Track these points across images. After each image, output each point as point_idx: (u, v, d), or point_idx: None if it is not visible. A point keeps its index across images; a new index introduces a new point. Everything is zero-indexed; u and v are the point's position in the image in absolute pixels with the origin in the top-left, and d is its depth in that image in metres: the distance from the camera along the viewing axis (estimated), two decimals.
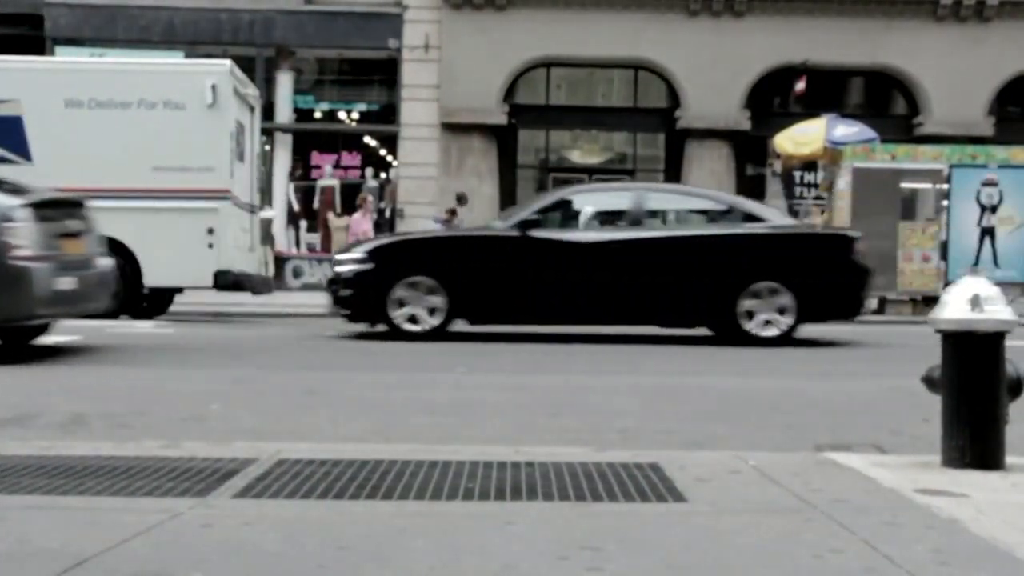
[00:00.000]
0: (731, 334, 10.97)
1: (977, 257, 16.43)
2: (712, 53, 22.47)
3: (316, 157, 23.62)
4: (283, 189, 23.28)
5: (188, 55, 21.16)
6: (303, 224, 23.45)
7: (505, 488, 3.67)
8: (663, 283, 10.96)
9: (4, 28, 22.08)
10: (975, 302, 3.95)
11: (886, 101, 24.12)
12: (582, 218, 11.54)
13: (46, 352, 9.37)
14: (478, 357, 9.45)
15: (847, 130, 18.18)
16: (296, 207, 23.25)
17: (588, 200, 12.05)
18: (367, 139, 24.32)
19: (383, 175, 23.92)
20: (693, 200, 12.43)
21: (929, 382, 4.16)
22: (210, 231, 13.81)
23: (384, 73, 23.64)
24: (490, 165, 22.88)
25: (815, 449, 4.70)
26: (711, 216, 11.76)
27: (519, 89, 23.35)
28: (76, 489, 3.59)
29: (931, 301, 14.11)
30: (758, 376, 8.33)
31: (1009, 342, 4.02)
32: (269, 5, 22.75)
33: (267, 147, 22.22)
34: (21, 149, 14.02)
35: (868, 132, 18.25)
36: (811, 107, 21.14)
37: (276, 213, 22.02)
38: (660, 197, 12.17)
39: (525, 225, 11.08)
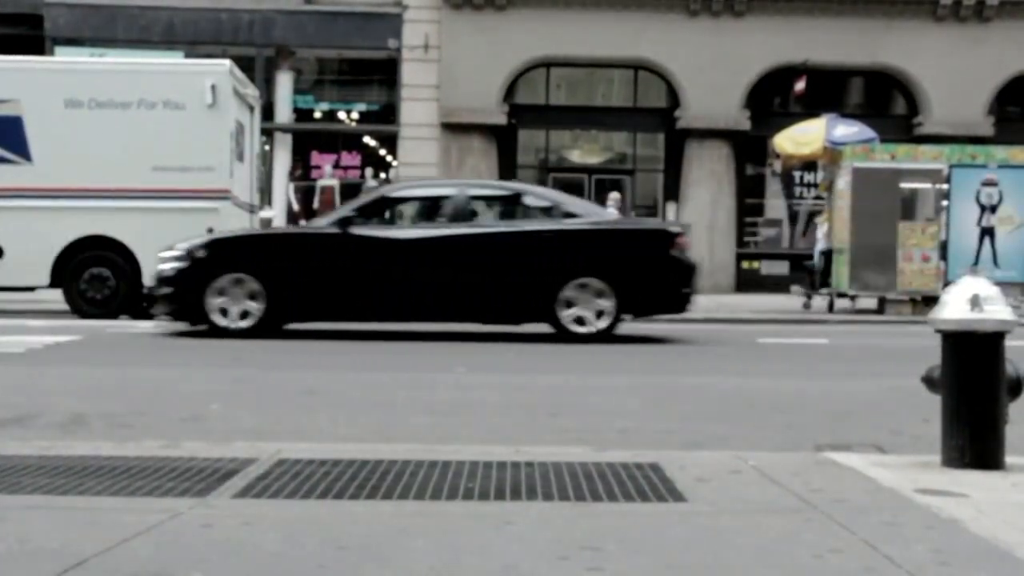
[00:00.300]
0: (557, 331, 10.89)
1: (977, 257, 16.42)
2: (712, 53, 22.46)
3: (316, 157, 23.62)
4: (283, 189, 23.28)
5: (188, 55, 21.16)
6: (303, 224, 23.44)
7: (505, 488, 3.67)
8: (482, 280, 10.92)
9: (4, 28, 22.08)
10: (975, 302, 3.95)
11: (886, 101, 24.11)
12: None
13: (46, 352, 9.37)
14: (478, 357, 9.45)
15: (847, 130, 18.15)
16: (296, 207, 23.25)
17: (409, 196, 12.02)
18: (367, 139, 24.32)
19: (383, 175, 23.91)
20: (514, 197, 12.30)
21: (929, 382, 4.16)
22: (210, 231, 13.80)
23: (384, 73, 23.63)
24: (490, 165, 22.87)
25: (815, 449, 4.70)
26: (533, 212, 11.72)
27: (519, 89, 23.36)
28: (76, 489, 3.59)
29: (931, 301, 14.10)
30: (758, 376, 8.33)
31: (1009, 342, 4.03)
32: (269, 5, 22.74)
33: (267, 147, 22.23)
34: (21, 149, 14.02)
35: (868, 132, 18.23)
36: (811, 107, 21.13)
37: (276, 213, 22.01)
38: (482, 194, 12.06)
39: (345, 222, 11.02)
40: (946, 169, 16.61)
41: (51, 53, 21.59)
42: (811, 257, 18.96)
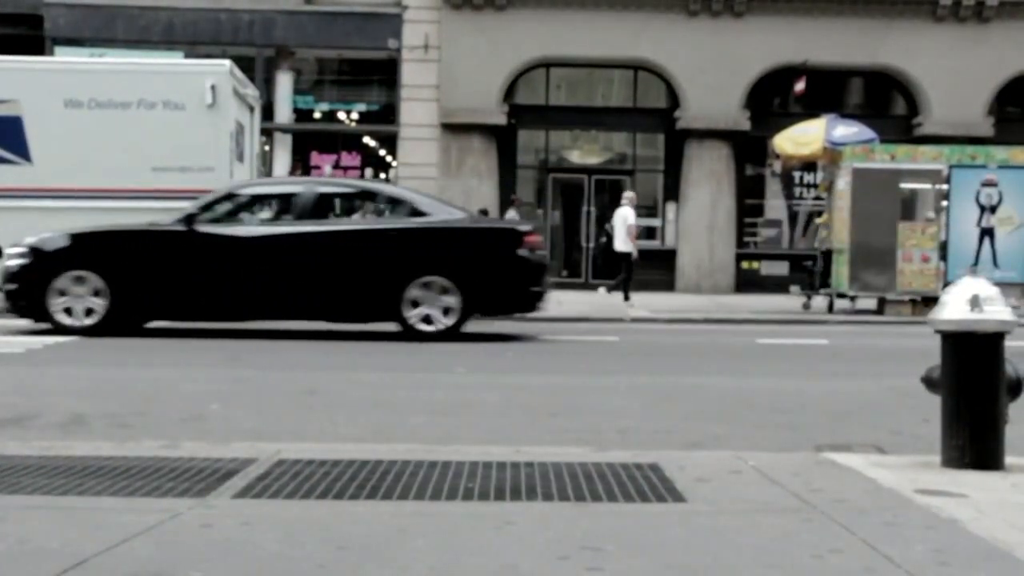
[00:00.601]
0: (404, 329, 10.85)
1: (977, 257, 16.39)
2: (712, 53, 22.45)
3: (316, 157, 23.60)
4: None
5: (188, 55, 21.15)
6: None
7: (505, 488, 3.67)
8: (327, 278, 10.86)
9: (4, 28, 22.06)
10: (975, 303, 3.95)
11: (886, 101, 24.11)
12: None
13: (46, 352, 9.37)
14: (478, 357, 9.46)
15: (846, 130, 18.13)
16: None
17: (256, 194, 11.90)
18: (367, 139, 24.31)
19: (383, 175, 23.90)
20: (363, 194, 12.27)
21: (929, 382, 4.16)
22: None
23: (384, 73, 23.63)
24: (490, 165, 22.87)
25: (815, 449, 4.70)
26: (380, 210, 11.72)
27: (519, 89, 23.35)
28: (76, 489, 3.59)
29: (931, 301, 14.09)
30: (757, 376, 8.33)
31: (1008, 342, 4.03)
32: (269, 5, 22.74)
33: (267, 147, 22.22)
34: (21, 149, 14.02)
35: (867, 132, 18.21)
36: (811, 107, 21.11)
37: None
38: (329, 191, 11.93)
39: (190, 220, 10.94)
40: (946, 169, 16.60)
41: (51, 53, 21.58)
42: (811, 257, 18.96)
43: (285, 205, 11.44)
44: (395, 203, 11.56)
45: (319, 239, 10.98)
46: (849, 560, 2.82)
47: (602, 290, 18.58)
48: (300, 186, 11.77)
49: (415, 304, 10.77)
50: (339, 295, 10.90)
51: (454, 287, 10.76)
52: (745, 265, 23.49)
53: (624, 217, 18.57)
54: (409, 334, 10.74)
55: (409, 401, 6.60)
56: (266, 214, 11.72)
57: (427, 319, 10.78)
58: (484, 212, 18.89)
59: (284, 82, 23.33)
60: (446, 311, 10.78)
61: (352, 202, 12.24)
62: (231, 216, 11.37)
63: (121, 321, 10.87)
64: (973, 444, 3.97)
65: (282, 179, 12.30)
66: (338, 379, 7.68)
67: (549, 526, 3.15)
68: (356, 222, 11.69)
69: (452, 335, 10.71)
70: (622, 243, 18.50)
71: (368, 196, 12.22)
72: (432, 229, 11.03)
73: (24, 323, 11.20)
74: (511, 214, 18.71)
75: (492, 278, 10.99)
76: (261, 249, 10.91)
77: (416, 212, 11.22)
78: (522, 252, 11.01)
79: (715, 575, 2.71)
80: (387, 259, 10.85)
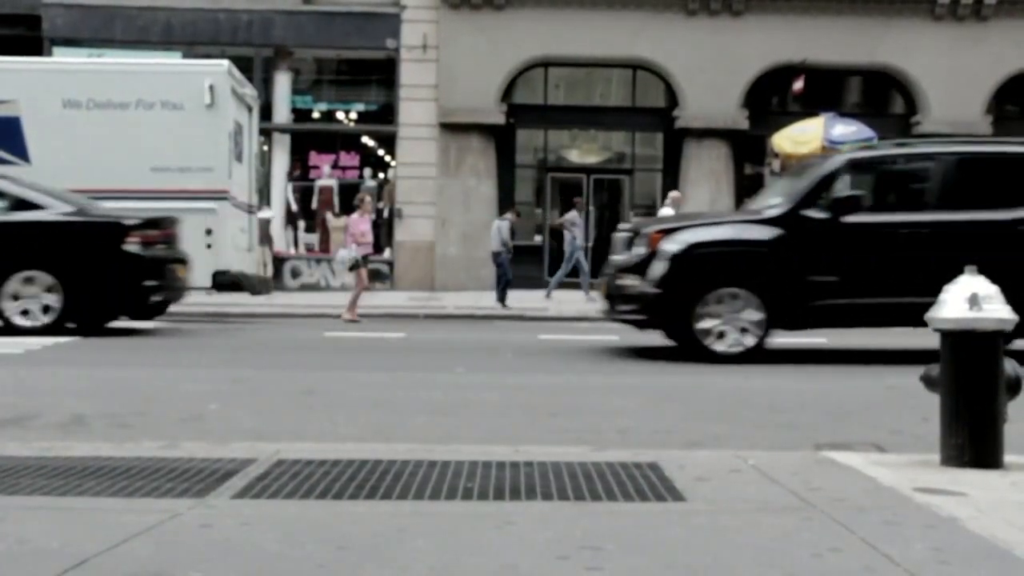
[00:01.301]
0: (5, 325, 10.70)
1: None
2: (710, 52, 22.45)
3: (314, 157, 23.59)
4: (281, 189, 23.27)
5: (186, 55, 21.14)
6: (301, 224, 23.39)
7: (505, 488, 3.67)
8: None
9: (2, 29, 22.04)
10: (974, 301, 3.95)
11: (884, 100, 24.11)
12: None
13: (45, 353, 9.36)
14: (477, 357, 9.45)
15: (845, 129, 18.13)
16: (294, 207, 23.24)
17: None
18: (365, 139, 24.30)
19: (381, 175, 23.88)
20: None
21: (928, 381, 4.16)
22: (208, 232, 13.80)
23: (382, 73, 23.62)
24: (488, 165, 22.86)
25: (815, 448, 4.70)
26: None
27: (517, 89, 23.34)
28: (76, 489, 3.59)
29: None
30: (756, 376, 8.33)
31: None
32: (267, 5, 22.72)
33: (265, 147, 22.21)
34: (19, 150, 14.02)
35: (866, 131, 18.21)
36: (809, 106, 21.11)
37: (274, 213, 22.01)
38: None
39: None
40: None
41: (49, 54, 21.56)
42: None
43: None
44: (4, 195, 11.18)
45: None
46: (849, 559, 2.82)
47: None
48: None
49: (16, 300, 10.68)
50: None
51: (55, 282, 10.66)
52: None
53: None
54: (9, 330, 10.63)
55: (409, 401, 6.60)
56: None
57: (31, 315, 10.67)
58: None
59: (282, 82, 23.32)
60: (47, 308, 10.68)
61: None
62: None
63: None
64: (972, 443, 3.97)
65: None
66: (338, 379, 7.67)
67: (549, 526, 3.15)
68: None
69: (56, 331, 10.58)
70: None
71: None
72: (32, 223, 10.88)
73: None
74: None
75: (94, 274, 10.81)
76: None
77: (26, 205, 10.99)
78: (129, 247, 10.80)
79: (715, 574, 2.71)
80: None
